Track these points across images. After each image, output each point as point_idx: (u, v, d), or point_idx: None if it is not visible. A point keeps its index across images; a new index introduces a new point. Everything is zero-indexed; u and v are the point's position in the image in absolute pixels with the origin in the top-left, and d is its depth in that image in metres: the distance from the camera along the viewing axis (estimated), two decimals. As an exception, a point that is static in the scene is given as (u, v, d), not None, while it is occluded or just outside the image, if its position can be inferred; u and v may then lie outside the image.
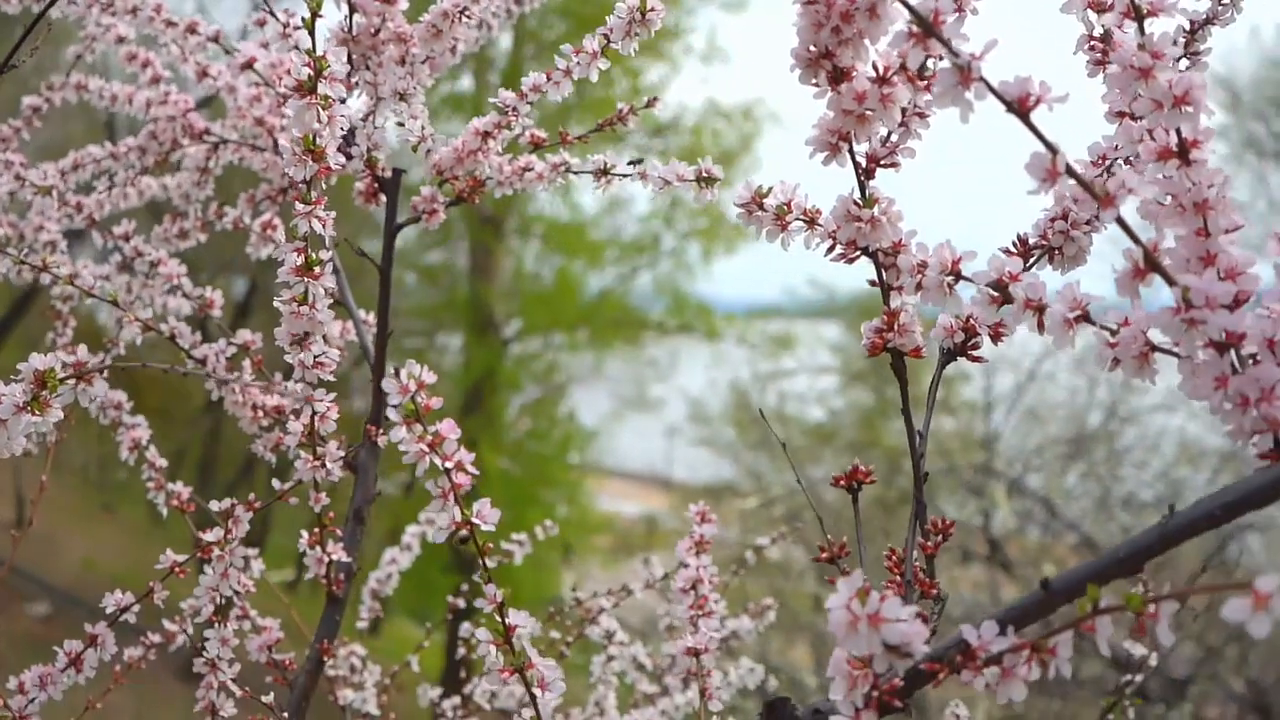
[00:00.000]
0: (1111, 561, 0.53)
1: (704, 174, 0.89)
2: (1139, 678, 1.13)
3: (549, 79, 0.94)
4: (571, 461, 11.29)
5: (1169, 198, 0.57)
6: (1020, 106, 0.53)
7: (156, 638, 1.13)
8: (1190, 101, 0.55)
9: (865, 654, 0.53)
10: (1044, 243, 0.73)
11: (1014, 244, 0.73)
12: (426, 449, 0.64)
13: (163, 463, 1.14)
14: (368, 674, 1.30)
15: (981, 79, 0.53)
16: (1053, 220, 0.73)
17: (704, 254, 11.56)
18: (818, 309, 11.14)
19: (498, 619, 0.68)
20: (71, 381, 0.68)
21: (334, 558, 1.00)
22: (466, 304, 11.10)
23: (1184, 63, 0.75)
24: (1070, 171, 0.53)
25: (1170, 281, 0.54)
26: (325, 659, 1.03)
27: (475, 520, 0.66)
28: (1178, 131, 0.56)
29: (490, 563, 0.73)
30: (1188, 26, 0.76)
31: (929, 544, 0.66)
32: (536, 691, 0.67)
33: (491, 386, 10.91)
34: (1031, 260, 0.73)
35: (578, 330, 11.58)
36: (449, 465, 0.65)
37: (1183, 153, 0.57)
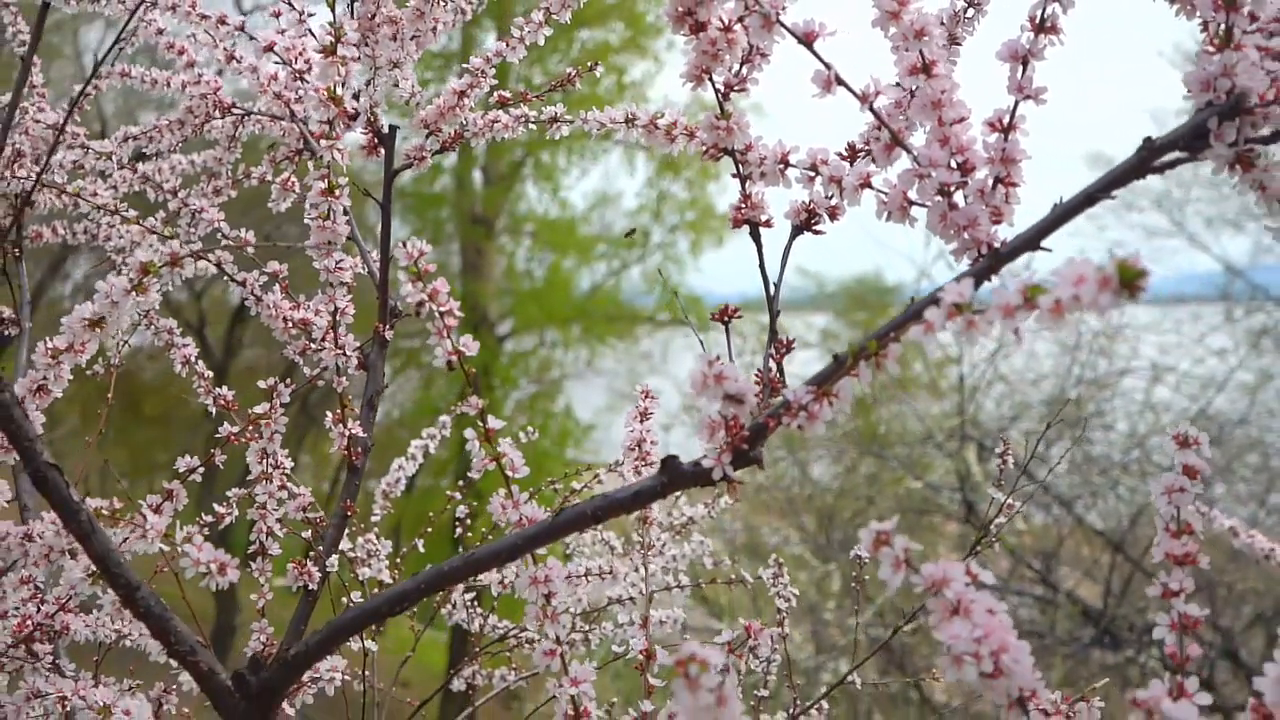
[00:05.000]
0: (890, 326, 0.80)
1: (630, 116, 1.16)
2: (1012, 512, 1.40)
3: (507, 45, 1.22)
4: (569, 456, 11.54)
5: (917, 100, 0.84)
6: (807, 39, 0.81)
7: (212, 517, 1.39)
8: (926, 33, 0.83)
9: (713, 404, 0.80)
10: (866, 148, 1.00)
11: (845, 149, 1.00)
12: (427, 298, 0.92)
13: (209, 374, 1.41)
14: (380, 547, 1.59)
15: (779, 21, 0.80)
16: (871, 130, 1.00)
17: (692, 247, 11.86)
18: (807, 299, 11.42)
19: (480, 422, 0.95)
20: (168, 268, 0.94)
21: (353, 433, 1.27)
22: (460, 303, 11.35)
23: (971, 10, 1.02)
24: (839, 80, 0.80)
25: (908, 151, 0.81)
26: (349, 515, 1.30)
27: (462, 348, 0.93)
28: (921, 54, 0.84)
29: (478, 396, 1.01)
30: None
31: (778, 354, 0.93)
32: (509, 473, 0.95)
33: (487, 384, 11.17)
34: (858, 160, 1.00)
35: (570, 326, 11.85)
36: (443, 310, 0.92)
37: (925, 69, 0.84)
